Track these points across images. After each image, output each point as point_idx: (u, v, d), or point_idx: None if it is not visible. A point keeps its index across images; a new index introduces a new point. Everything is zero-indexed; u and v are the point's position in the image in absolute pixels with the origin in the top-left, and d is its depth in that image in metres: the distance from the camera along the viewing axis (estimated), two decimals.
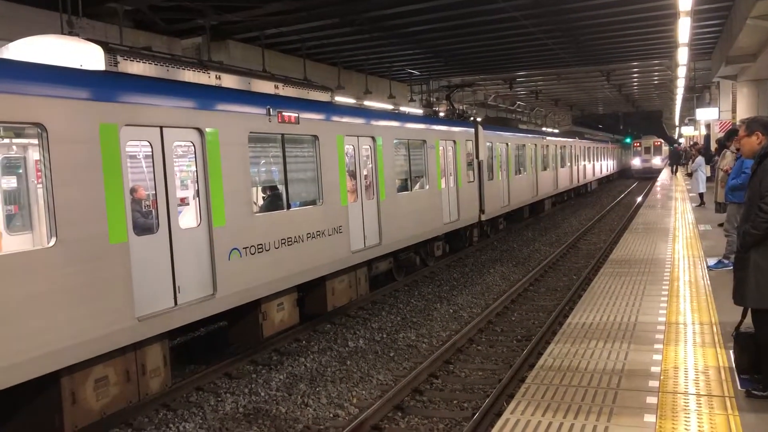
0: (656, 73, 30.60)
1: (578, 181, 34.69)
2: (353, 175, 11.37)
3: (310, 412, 7.25)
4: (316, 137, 9.99)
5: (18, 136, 7.38)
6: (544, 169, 26.35)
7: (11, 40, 7.15)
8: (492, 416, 6.78)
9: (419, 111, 23.41)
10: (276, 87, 9.72)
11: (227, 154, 7.94)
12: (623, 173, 57.72)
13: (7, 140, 7.47)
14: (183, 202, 7.99)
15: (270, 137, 9.14)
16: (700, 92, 33.81)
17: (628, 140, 60.98)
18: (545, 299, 12.40)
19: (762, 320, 4.68)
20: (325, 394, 7.74)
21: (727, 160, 11.64)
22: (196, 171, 7.60)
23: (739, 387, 4.97)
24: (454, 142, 16.06)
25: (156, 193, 7.02)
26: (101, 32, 12.82)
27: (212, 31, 15.41)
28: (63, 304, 5.77)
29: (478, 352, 9.30)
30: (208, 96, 7.91)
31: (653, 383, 5.22)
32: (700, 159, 18.80)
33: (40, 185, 6.65)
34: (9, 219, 7.58)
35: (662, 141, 57.68)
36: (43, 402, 6.02)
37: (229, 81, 8.75)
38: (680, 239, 12.82)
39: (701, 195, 18.65)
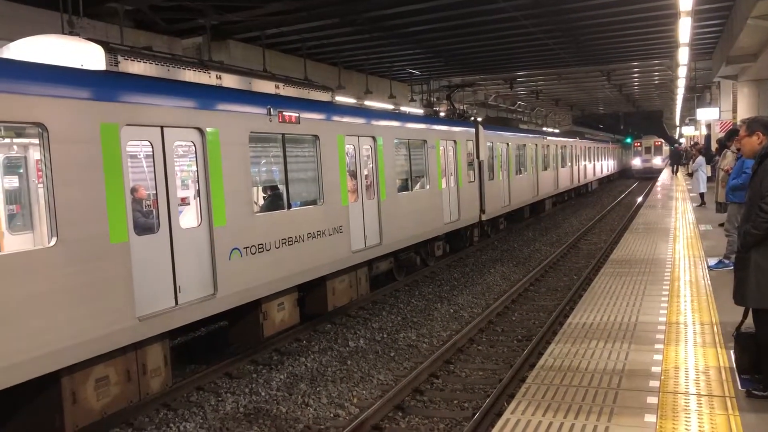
0: (657, 73, 30.59)
1: (579, 181, 34.69)
2: (354, 174, 11.37)
3: (310, 412, 7.25)
4: (316, 137, 9.99)
5: (19, 135, 7.38)
6: (545, 169, 26.35)
7: (12, 40, 7.14)
8: (492, 416, 6.79)
9: (420, 111, 23.37)
10: (276, 87, 9.73)
11: (228, 154, 7.94)
12: (624, 173, 57.72)
13: (8, 140, 7.48)
14: (184, 201, 7.99)
15: (271, 137, 9.14)
16: (700, 92, 33.82)
17: (628, 140, 61.00)
18: (546, 299, 12.39)
19: (762, 320, 4.68)
20: (326, 394, 7.74)
21: (727, 160, 11.63)
22: (197, 171, 7.61)
23: (739, 387, 4.98)
24: (455, 142, 16.05)
25: (157, 193, 7.02)
26: (102, 32, 12.82)
27: (213, 30, 15.41)
28: (64, 303, 5.77)
29: (478, 352, 9.30)
30: (208, 96, 7.91)
31: (654, 383, 5.21)
32: (700, 159, 18.83)
33: (41, 185, 6.66)
34: (10, 218, 7.59)
35: (663, 141, 57.67)
36: (43, 402, 6.02)
37: (229, 81, 8.76)
38: (681, 239, 12.81)
39: (702, 195, 18.65)
